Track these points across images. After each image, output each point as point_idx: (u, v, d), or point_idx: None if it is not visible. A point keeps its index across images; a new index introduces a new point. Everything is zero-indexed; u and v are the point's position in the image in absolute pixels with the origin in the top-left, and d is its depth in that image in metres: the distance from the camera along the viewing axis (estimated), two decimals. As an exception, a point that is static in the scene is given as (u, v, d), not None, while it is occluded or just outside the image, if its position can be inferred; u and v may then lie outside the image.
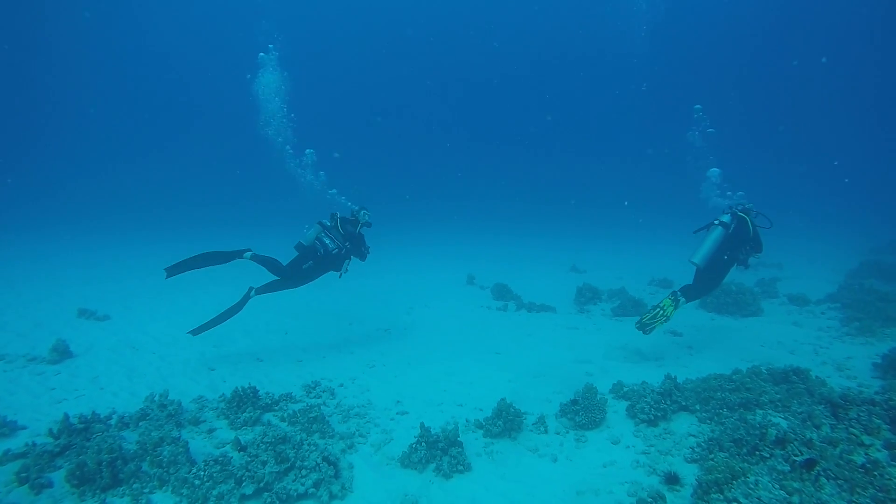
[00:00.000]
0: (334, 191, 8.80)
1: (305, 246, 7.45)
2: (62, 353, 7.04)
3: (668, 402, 5.13)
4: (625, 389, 5.82)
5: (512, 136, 55.95)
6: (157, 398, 5.33)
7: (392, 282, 13.47)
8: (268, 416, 5.45)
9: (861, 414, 4.37)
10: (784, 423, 4.74)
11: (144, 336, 8.50)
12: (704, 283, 7.15)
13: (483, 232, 24.54)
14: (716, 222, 6.98)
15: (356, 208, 7.94)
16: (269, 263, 7.38)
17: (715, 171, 8.26)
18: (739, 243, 6.99)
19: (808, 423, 4.53)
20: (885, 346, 7.70)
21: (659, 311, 6.84)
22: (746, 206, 7.22)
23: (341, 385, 6.54)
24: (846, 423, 4.38)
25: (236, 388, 5.53)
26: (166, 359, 7.38)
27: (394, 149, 55.53)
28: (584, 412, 5.10)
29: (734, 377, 5.25)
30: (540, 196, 39.86)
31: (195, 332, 7.23)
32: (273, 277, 7.50)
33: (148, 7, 43.07)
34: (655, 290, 12.47)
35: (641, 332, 6.86)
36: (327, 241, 7.40)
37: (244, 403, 5.40)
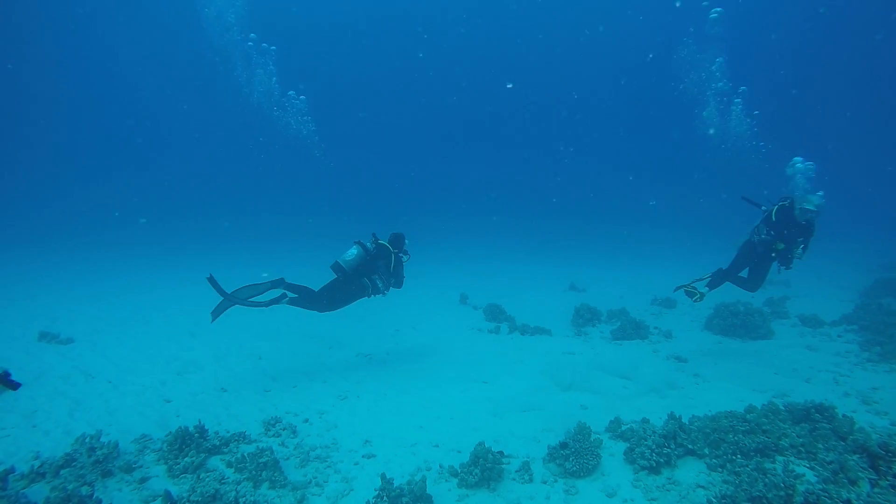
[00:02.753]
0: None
1: (347, 272, 7.01)
2: (2, 383, 6.37)
3: (673, 446, 4.43)
4: (623, 428, 5.11)
5: (510, 148, 54.42)
6: (88, 440, 4.65)
7: (380, 300, 12.75)
8: (214, 461, 4.76)
9: (905, 467, 3.67)
10: (811, 475, 4.04)
11: (105, 361, 7.85)
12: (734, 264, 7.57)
13: (480, 248, 23.85)
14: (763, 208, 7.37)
15: (397, 233, 7.49)
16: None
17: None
18: (762, 225, 7.24)
19: (841, 476, 3.82)
20: (912, 375, 7.03)
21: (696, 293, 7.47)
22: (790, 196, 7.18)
23: (306, 421, 5.84)
24: (890, 479, 3.67)
25: (180, 427, 4.85)
26: (120, 388, 6.71)
27: (387, 160, 54.34)
28: (574, 457, 4.40)
29: (748, 416, 4.55)
30: (540, 211, 39.05)
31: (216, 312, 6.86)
32: (304, 297, 7.06)
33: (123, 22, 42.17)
34: (658, 310, 11.75)
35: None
36: (379, 284, 7.23)
37: (187, 445, 4.72)
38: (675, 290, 7.82)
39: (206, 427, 4.95)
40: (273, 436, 5.40)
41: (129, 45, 42.64)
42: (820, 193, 7.07)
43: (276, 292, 6.93)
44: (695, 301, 7.55)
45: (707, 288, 7.58)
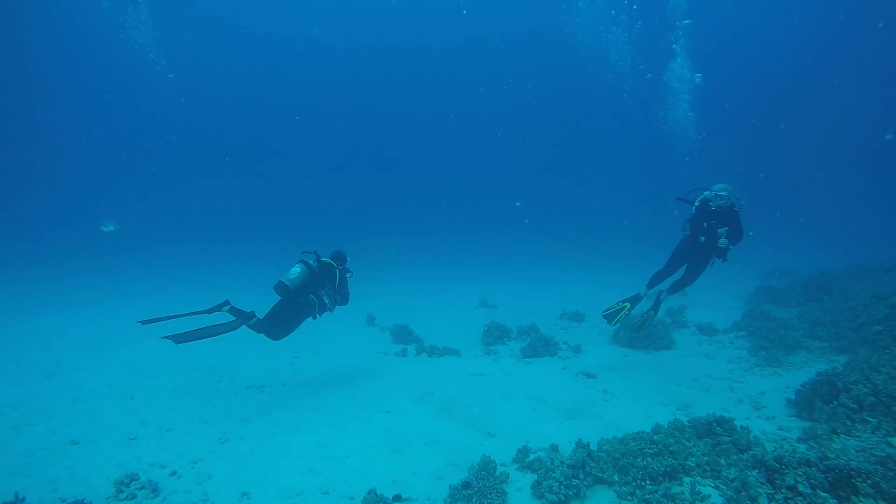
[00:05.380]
0: None
1: (292, 291, 6.66)
2: None
3: (582, 476, 4.14)
4: (531, 457, 4.79)
5: (416, 165, 52.32)
6: None
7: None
8: (35, 542, 3.78)
9: (799, 479, 3.61)
10: (716, 495, 3.90)
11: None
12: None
13: (389, 266, 23.00)
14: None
15: (338, 250, 7.42)
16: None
17: None
18: (686, 222, 7.37)
19: (743, 493, 3.71)
20: (791, 376, 7.45)
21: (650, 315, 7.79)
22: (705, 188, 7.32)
23: (174, 474, 4.94)
24: (784, 492, 3.59)
25: (-11, 502, 3.83)
26: (-70, 453, 5.34)
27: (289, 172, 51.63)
28: (478, 498, 3.97)
29: (656, 438, 4.38)
30: (451, 226, 38.73)
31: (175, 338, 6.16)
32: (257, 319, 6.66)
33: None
34: (568, 324, 11.84)
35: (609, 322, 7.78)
36: (326, 300, 7.00)
37: (-4, 527, 3.71)
38: (638, 330, 8.19)
39: (25, 499, 3.95)
40: (126, 498, 4.47)
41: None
42: (722, 185, 7.19)
43: (228, 317, 6.51)
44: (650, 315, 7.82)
45: (647, 287, 7.64)
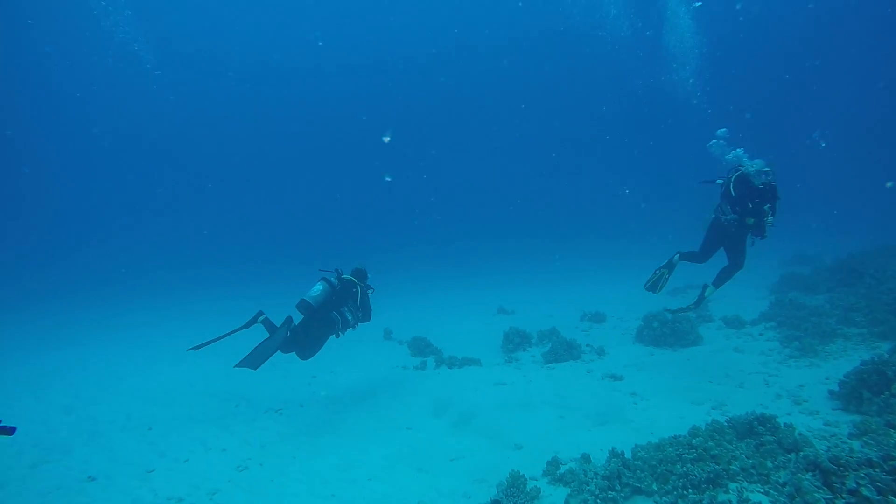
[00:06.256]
0: None
1: (315, 308, 6.69)
2: None
3: (618, 487, 3.88)
4: (562, 469, 4.52)
5: (427, 172, 49.88)
6: None
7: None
8: (50, 588, 3.62)
9: (861, 481, 3.31)
10: (767, 502, 3.60)
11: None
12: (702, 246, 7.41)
13: (404, 278, 22.80)
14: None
15: (359, 267, 7.46)
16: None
17: None
18: (724, 204, 6.91)
19: (798, 500, 3.41)
20: (830, 367, 7.07)
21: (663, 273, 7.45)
22: (739, 165, 6.80)
23: (191, 507, 4.78)
24: (845, 496, 3.29)
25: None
26: (-56, 497, 5.25)
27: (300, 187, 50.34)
28: (510, 517, 3.72)
29: (694, 441, 4.10)
30: (463, 234, 38.26)
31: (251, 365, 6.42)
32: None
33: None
34: (589, 325, 11.52)
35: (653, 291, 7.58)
36: (349, 317, 7.04)
37: (8, 575, 3.55)
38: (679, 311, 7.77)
39: (38, 544, 3.80)
40: (143, 536, 4.31)
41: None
42: (759, 160, 6.71)
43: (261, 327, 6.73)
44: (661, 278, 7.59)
45: (678, 255, 7.48)
